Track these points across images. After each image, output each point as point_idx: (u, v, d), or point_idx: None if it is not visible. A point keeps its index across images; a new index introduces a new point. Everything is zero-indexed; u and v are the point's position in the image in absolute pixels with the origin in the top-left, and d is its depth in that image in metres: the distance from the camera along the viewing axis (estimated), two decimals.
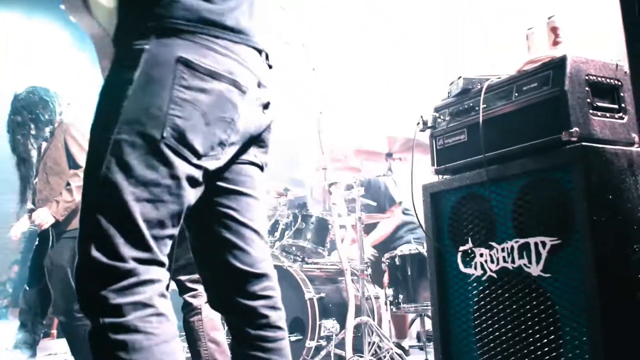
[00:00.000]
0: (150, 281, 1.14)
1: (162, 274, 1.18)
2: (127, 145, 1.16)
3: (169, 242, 1.21)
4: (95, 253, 1.12)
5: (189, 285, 2.47)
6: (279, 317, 1.42)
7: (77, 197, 3.49)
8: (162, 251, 1.19)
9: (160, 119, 1.16)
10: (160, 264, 1.18)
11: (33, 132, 3.65)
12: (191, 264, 1.91)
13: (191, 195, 1.23)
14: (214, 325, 2.40)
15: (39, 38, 6.50)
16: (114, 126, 1.17)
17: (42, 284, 3.64)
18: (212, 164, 1.25)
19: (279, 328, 1.41)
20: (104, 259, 1.11)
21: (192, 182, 1.22)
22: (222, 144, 1.26)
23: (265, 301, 1.40)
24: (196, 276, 2.43)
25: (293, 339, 3.34)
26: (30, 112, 3.67)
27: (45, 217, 3.49)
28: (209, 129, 1.22)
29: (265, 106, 1.42)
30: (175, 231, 1.21)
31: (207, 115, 1.21)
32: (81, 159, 3.62)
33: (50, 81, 3.92)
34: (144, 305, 1.12)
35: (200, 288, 2.44)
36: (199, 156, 1.21)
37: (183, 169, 1.19)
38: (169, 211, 1.18)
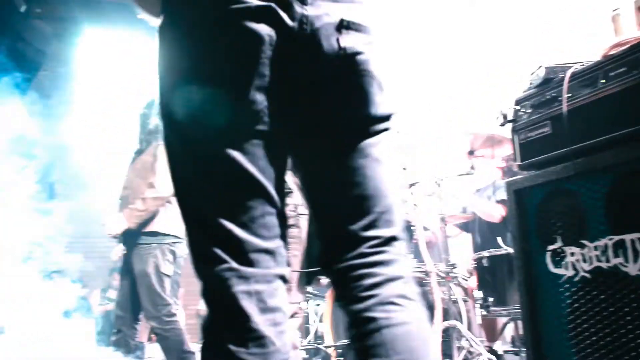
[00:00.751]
0: (248, 293, 0.98)
1: (266, 274, 1.02)
2: (168, 140, 1.07)
3: (268, 218, 1.03)
4: (198, 262, 1.03)
5: None
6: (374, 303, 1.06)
7: (150, 207, 3.67)
8: (262, 234, 1.02)
9: (172, 93, 1.02)
10: (263, 251, 1.02)
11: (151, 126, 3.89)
12: None
13: (258, 162, 1.02)
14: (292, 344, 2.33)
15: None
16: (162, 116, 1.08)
17: (132, 289, 3.83)
18: (255, 114, 1.02)
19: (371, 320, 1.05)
20: (208, 266, 1.00)
21: (241, 149, 1.01)
22: (260, 89, 1.00)
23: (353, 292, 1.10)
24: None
25: None
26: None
27: (114, 228, 3.68)
28: (229, 82, 1.00)
29: (337, 28, 1.05)
30: (263, 205, 1.02)
31: (215, 71, 1.00)
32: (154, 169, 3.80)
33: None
34: (246, 330, 0.97)
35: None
36: (230, 119, 1.00)
37: (215, 138, 1.01)
38: (236, 190, 1.01)
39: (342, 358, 3.29)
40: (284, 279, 1.06)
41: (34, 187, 4.67)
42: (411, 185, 3.39)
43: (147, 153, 3.84)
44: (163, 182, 3.69)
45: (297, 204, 2.34)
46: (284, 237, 1.07)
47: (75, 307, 4.79)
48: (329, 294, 4.01)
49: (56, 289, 4.60)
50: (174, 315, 3.80)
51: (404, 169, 3.48)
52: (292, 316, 2.36)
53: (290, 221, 2.31)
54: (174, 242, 3.92)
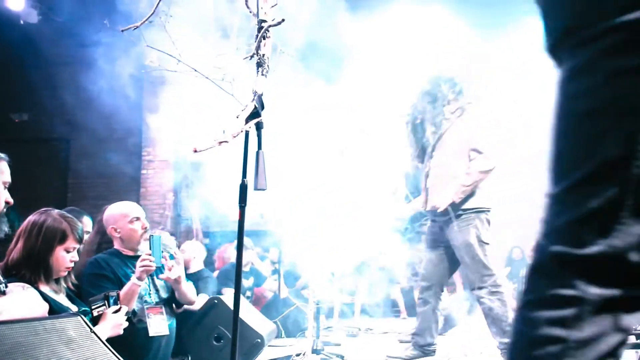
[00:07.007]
0: None
1: None
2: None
3: None
4: None
5: None
6: None
7: (475, 181, 3.66)
8: None
9: None
10: None
11: (435, 108, 3.87)
12: None
13: None
14: None
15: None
16: None
17: (441, 262, 3.85)
18: None
19: None
20: None
21: None
22: None
23: None
24: None
25: None
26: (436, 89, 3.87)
27: (439, 202, 3.73)
28: None
29: None
30: None
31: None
32: (480, 142, 3.72)
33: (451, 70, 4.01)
34: None
35: None
36: None
37: None
38: None
39: None
40: None
41: None
42: None
43: (453, 129, 3.80)
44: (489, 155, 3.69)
45: None
46: None
47: None
48: None
49: None
50: (499, 285, 3.66)
51: None
52: None
53: None
54: (488, 211, 3.81)
